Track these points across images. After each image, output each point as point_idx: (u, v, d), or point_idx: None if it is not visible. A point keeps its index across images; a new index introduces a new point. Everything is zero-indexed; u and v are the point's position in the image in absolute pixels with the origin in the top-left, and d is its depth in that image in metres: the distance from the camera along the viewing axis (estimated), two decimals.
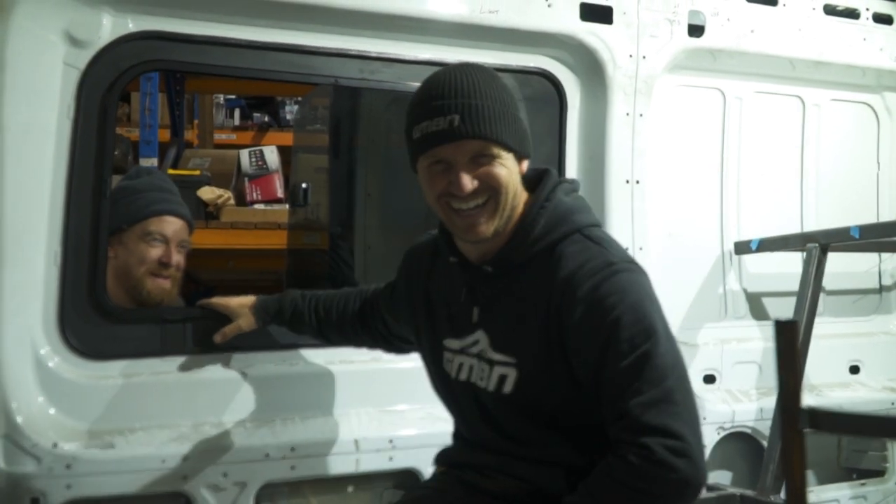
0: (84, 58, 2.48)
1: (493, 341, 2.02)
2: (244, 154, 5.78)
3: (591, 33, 3.00)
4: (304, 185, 3.01)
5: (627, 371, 1.84)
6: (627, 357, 1.84)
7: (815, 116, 3.54)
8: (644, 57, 3.09)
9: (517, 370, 1.97)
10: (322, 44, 2.78)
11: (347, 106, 3.70)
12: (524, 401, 1.98)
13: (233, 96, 7.73)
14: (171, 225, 2.98)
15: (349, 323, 2.53)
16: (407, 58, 2.88)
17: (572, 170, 3.10)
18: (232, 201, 5.56)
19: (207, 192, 5.38)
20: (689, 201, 3.34)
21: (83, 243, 2.51)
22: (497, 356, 2.01)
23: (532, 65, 3.04)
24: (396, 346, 2.54)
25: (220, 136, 7.35)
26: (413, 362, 2.77)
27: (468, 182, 1.92)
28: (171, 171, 5.61)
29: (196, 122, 7.16)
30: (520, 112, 2.00)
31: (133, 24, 2.55)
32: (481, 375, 2.04)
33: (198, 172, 5.54)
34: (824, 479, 3.50)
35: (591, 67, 3.05)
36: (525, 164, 2.03)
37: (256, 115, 7.79)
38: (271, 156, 5.72)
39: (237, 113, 7.76)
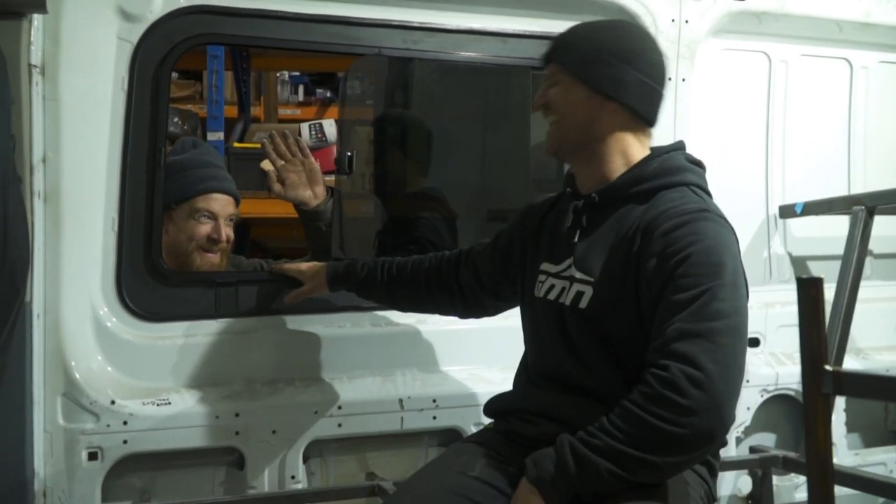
0: (137, 32, 2.49)
1: (576, 261, 2.05)
2: (304, 127, 5.80)
3: None
4: (349, 153, 2.98)
5: (681, 303, 1.82)
6: (686, 291, 1.83)
7: (862, 79, 3.38)
8: (686, 21, 2.98)
9: (592, 288, 1.99)
10: (367, 14, 2.74)
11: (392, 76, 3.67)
12: (595, 318, 1.98)
13: (297, 73, 7.74)
14: (218, 202, 3.00)
15: (424, 282, 2.46)
16: (449, 27, 2.83)
17: None
18: None
19: (269, 164, 5.41)
20: (733, 165, 3.22)
21: (139, 210, 2.53)
22: (578, 274, 2.04)
23: None
24: (478, 303, 2.44)
25: (285, 112, 7.37)
26: (458, 324, 2.79)
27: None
28: (236, 145, 5.66)
29: (262, 98, 7.19)
30: (617, 59, 2.02)
31: None
32: (562, 292, 2.07)
33: (260, 145, 5.57)
34: (871, 442, 3.39)
35: None
36: (617, 109, 2.04)
37: (319, 90, 7.80)
38: (330, 128, 5.73)
39: (301, 89, 7.77)
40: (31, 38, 2.27)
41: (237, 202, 3.12)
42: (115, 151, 2.49)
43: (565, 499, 1.83)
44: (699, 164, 2.14)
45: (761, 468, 3.01)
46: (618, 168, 2.07)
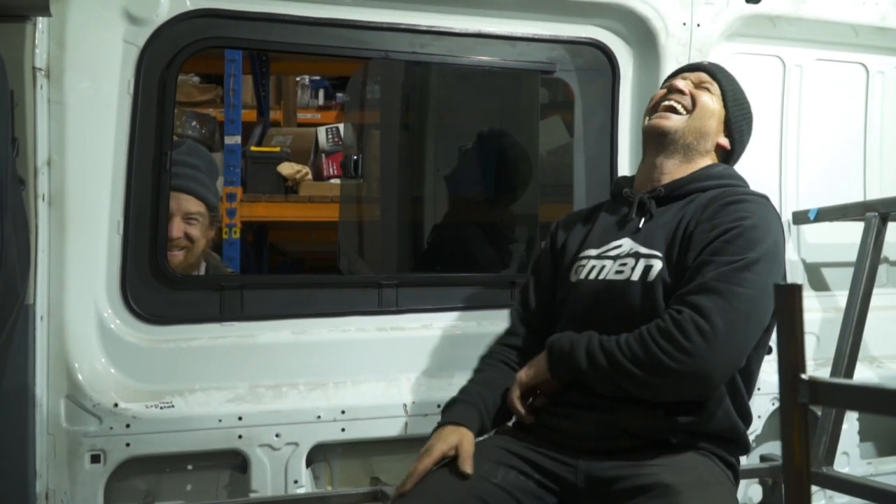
0: (143, 35, 2.48)
1: (641, 239, 2.13)
2: (321, 131, 5.80)
3: (643, 2, 2.84)
4: (354, 157, 2.96)
5: (713, 263, 1.93)
6: (723, 255, 1.94)
7: (879, 84, 3.30)
8: (698, 25, 2.92)
9: (661, 262, 2.06)
10: (374, 18, 2.71)
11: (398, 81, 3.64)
12: (666, 286, 2.03)
13: (317, 77, 7.74)
14: (175, 199, 2.87)
15: (521, 347, 2.29)
16: (457, 30, 2.79)
17: (625, 141, 2.97)
18: (309, 176, 5.57)
19: (286, 168, 5.41)
20: (746, 171, 3.11)
21: (144, 213, 2.52)
22: (644, 250, 2.10)
23: (584, 35, 2.91)
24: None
25: (305, 116, 7.36)
26: (463, 329, 2.77)
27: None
28: (253, 149, 5.66)
29: (282, 102, 7.19)
30: (748, 124, 2.41)
31: (190, 2, 2.53)
32: (621, 269, 2.10)
33: (278, 149, 5.57)
34: (885, 451, 3.30)
35: (643, 37, 2.90)
36: (724, 141, 2.32)
37: (340, 94, 7.79)
38: (347, 133, 5.71)
39: (321, 93, 7.76)
40: (36, 41, 2.26)
41: (206, 202, 3.03)
42: (121, 154, 2.48)
43: (566, 377, 2.03)
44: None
45: (771, 477, 2.93)
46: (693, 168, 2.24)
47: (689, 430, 1.99)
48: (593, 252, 2.19)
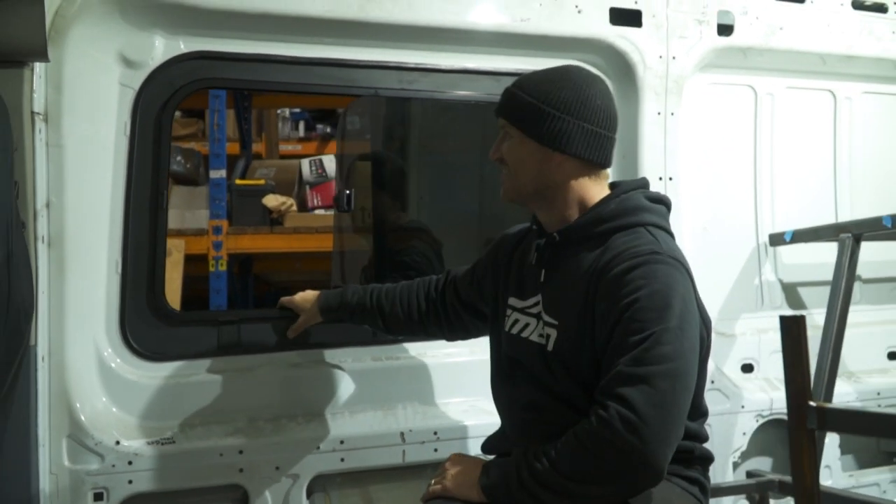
0: (139, 78, 2.48)
1: (545, 304, 2.06)
2: (305, 163, 5.80)
3: (620, 37, 2.89)
4: (347, 192, 2.96)
5: (626, 346, 1.83)
6: (632, 335, 1.83)
7: (846, 109, 3.37)
8: (674, 57, 2.97)
9: (557, 331, 2.01)
10: (363, 57, 2.73)
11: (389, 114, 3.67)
12: (561, 358, 2.00)
13: (297, 109, 7.75)
14: None
15: (414, 305, 2.47)
16: (443, 67, 2.82)
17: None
18: (294, 208, 5.56)
19: (272, 200, 5.40)
20: (723, 196, 3.21)
21: (142, 252, 2.51)
22: (546, 317, 2.05)
23: None
24: (462, 324, 2.45)
25: (286, 147, 7.38)
26: (457, 357, 2.78)
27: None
28: (238, 182, 5.64)
29: (264, 135, 7.19)
30: (559, 110, 2.00)
31: (184, 45, 2.54)
32: (539, 332, 2.07)
33: (262, 182, 5.56)
34: (865, 464, 3.33)
35: (622, 69, 2.94)
36: (560, 158, 2.02)
37: (319, 126, 7.81)
38: (330, 164, 5.73)
39: (302, 125, 7.78)
40: (34, 86, 2.25)
41: None
42: (119, 195, 2.47)
43: None
44: (661, 201, 2.12)
45: (758, 493, 2.96)
46: (575, 211, 2.07)
47: None
48: (517, 303, 2.15)
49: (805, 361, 1.19)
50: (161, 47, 2.49)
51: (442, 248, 3.44)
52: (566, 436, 1.85)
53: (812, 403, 1.18)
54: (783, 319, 1.21)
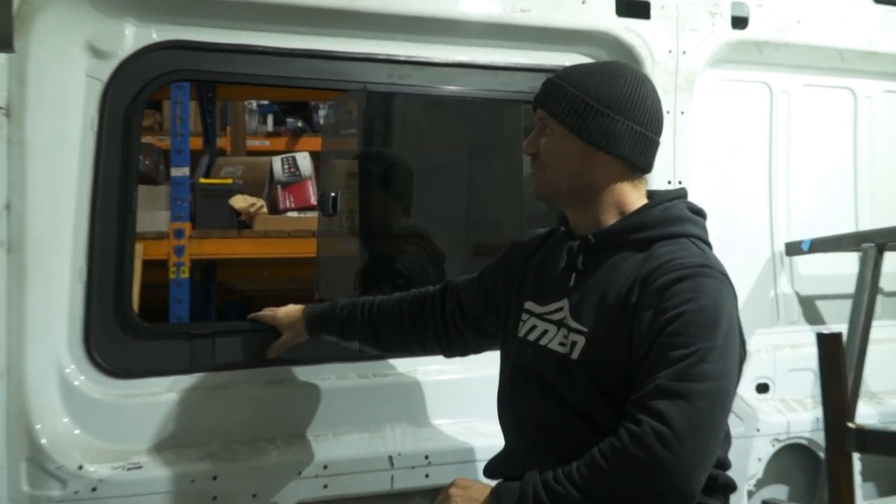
0: (107, 69, 2.49)
1: (572, 309, 2.08)
2: (276, 161, 5.82)
3: (627, 29, 2.94)
4: (332, 194, 2.99)
5: (668, 360, 1.86)
6: (675, 349, 1.86)
7: (867, 109, 3.45)
8: (684, 52, 3.03)
9: (585, 338, 2.03)
10: (350, 49, 2.76)
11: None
12: (586, 368, 2.01)
13: (265, 102, 7.78)
14: None
15: (408, 319, 2.49)
16: (437, 60, 2.86)
17: None
18: (265, 209, 5.59)
19: (240, 201, 5.43)
20: (736, 201, 3.27)
21: (108, 258, 2.51)
22: (573, 324, 2.06)
23: (567, 64, 2.97)
24: (462, 339, 2.47)
25: (254, 143, 7.41)
26: (450, 374, 2.81)
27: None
28: (202, 181, 5.66)
29: (229, 129, 7.21)
30: (609, 108, 2.03)
31: (157, 33, 2.56)
32: (560, 340, 2.09)
33: (230, 181, 5.59)
34: (886, 491, 3.40)
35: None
36: (604, 159, 2.06)
37: (290, 120, 7.84)
38: (304, 162, 5.75)
39: (270, 119, 7.81)
40: None
41: None
42: (84, 196, 2.48)
43: None
44: (700, 213, 2.17)
45: None
46: (613, 215, 2.11)
47: None
48: (536, 308, 2.18)
49: (843, 380, 1.24)
50: (132, 36, 2.51)
51: (445, 259, 3.46)
52: (588, 455, 1.87)
53: (851, 425, 1.23)
54: (820, 337, 1.26)
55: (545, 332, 2.13)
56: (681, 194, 2.19)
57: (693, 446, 1.79)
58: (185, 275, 5.31)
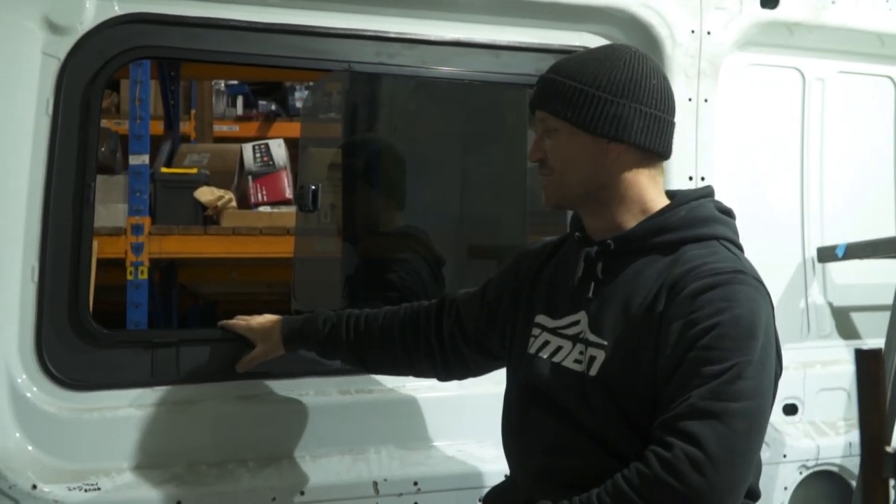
0: (65, 46, 2.53)
1: (591, 322, 2.11)
2: (247, 149, 5.83)
3: (645, 6, 2.99)
4: (311, 187, 3.03)
5: (701, 377, 1.89)
6: (709, 364, 1.89)
7: None
8: (709, 32, 3.07)
9: (605, 353, 2.05)
10: (333, 24, 2.81)
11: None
12: (605, 385, 2.04)
13: (235, 82, 7.78)
14: None
15: (399, 337, 2.52)
16: (431, 38, 2.90)
17: None
18: (234, 203, 5.62)
19: (206, 194, 5.46)
20: (763, 200, 3.32)
21: (63, 257, 2.55)
22: (592, 337, 2.09)
23: (578, 44, 3.02)
24: (461, 360, 2.50)
25: (221, 128, 7.43)
26: (442, 392, 2.83)
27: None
28: (164, 170, 5.67)
29: (193, 112, 7.23)
30: (612, 94, 2.07)
31: (119, 6, 2.60)
32: (575, 357, 2.11)
33: (194, 171, 5.61)
34: None
35: (646, 46, 2.98)
36: (618, 149, 2.10)
37: (262, 102, 7.85)
38: (278, 150, 5.77)
39: (240, 101, 7.81)
40: None
41: None
42: (37, 187, 2.52)
43: None
44: (730, 214, 2.22)
45: None
46: (634, 216, 2.15)
47: None
48: (548, 323, 2.21)
49: (883, 402, 1.29)
50: (92, 10, 2.55)
51: (444, 263, 3.48)
52: (611, 483, 1.88)
53: (889, 449, 1.28)
54: (859, 353, 1.31)
55: (559, 348, 2.16)
56: (707, 192, 2.24)
57: (728, 472, 1.83)
58: (144, 276, 5.33)
